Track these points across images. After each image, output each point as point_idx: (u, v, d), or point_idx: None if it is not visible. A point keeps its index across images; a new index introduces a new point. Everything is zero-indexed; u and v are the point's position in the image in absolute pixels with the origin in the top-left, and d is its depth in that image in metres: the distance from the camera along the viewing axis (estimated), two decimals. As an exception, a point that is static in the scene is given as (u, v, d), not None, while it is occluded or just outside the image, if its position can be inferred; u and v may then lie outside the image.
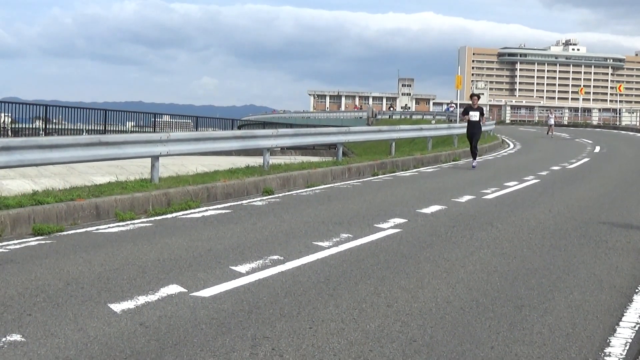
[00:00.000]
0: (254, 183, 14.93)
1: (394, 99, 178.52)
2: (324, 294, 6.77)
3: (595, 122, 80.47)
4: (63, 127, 34.37)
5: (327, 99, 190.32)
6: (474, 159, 22.89)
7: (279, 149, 30.19)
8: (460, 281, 7.44)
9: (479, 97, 23.30)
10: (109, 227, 10.29)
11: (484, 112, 23.95)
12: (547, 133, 50.67)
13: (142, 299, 6.41)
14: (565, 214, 12.60)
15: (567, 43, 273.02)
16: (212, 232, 10.02)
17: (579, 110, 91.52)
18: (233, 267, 7.74)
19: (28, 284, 6.92)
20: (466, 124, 23.90)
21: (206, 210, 12.17)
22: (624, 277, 7.87)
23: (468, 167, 23.28)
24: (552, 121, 53.68)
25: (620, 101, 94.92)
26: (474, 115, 22.80)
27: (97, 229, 10.13)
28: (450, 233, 10.39)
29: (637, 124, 72.11)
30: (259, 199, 13.92)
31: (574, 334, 5.74)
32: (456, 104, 70.92)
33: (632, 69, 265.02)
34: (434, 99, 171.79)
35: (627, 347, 5.46)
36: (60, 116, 34.36)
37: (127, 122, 41.63)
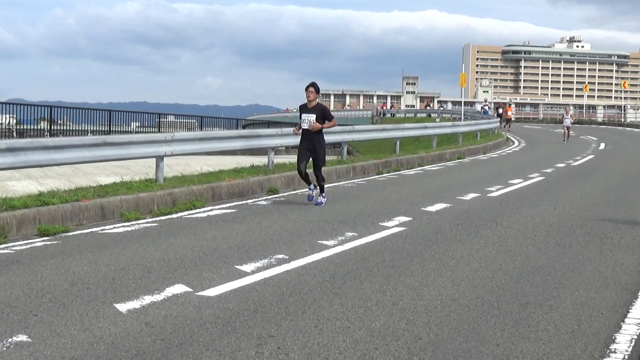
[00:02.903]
0: (259, 182, 14.95)
1: (399, 97, 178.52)
2: (329, 293, 6.78)
3: (600, 119, 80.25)
4: (68, 128, 34.38)
5: (332, 97, 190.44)
6: (319, 189, 13.37)
7: (284, 148, 30.14)
8: (466, 279, 7.44)
9: (317, 90, 13.25)
10: (114, 228, 10.31)
11: (330, 115, 13.54)
12: (564, 140, 38.48)
13: (147, 299, 6.42)
14: (570, 211, 12.59)
15: (571, 40, 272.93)
16: (217, 232, 10.04)
17: (584, 108, 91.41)
18: (238, 267, 7.76)
19: (34, 284, 6.94)
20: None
21: (211, 209, 12.18)
22: (630, 274, 7.87)
23: (473, 165, 23.21)
24: (568, 122, 39.91)
25: (625, 98, 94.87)
26: (308, 120, 13.12)
27: (102, 230, 10.15)
28: (455, 231, 10.39)
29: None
30: (263, 198, 13.93)
31: (579, 331, 5.74)
32: (490, 103, 66.53)
33: (637, 66, 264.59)
34: (438, 97, 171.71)
35: (633, 344, 5.46)
36: (65, 117, 34.39)
37: (132, 123, 41.62)
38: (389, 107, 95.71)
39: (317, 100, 13.23)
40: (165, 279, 7.17)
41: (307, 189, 13.46)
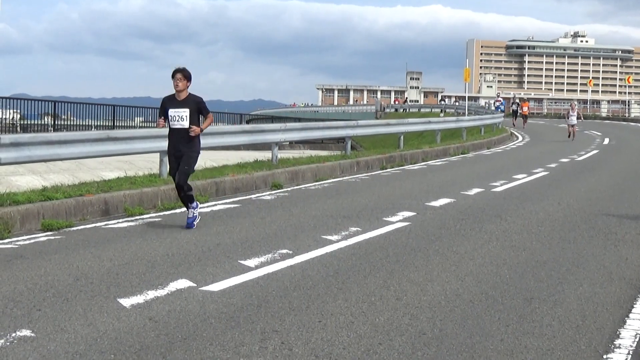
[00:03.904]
0: (263, 177, 14.94)
1: (402, 92, 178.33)
2: (333, 288, 6.77)
3: (604, 114, 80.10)
4: (72, 123, 34.45)
5: (335, 92, 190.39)
6: (188, 207, 10.20)
7: (288, 143, 30.20)
8: (470, 274, 7.43)
9: (188, 77, 10.26)
10: (118, 223, 10.31)
11: (207, 109, 10.43)
12: (569, 136, 35.05)
13: (151, 294, 6.42)
14: (574, 206, 12.56)
15: (575, 35, 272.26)
16: (220, 227, 10.03)
17: (588, 102, 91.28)
18: (242, 262, 7.75)
19: (37, 279, 6.94)
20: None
21: (215, 204, 12.18)
22: (634, 269, 7.85)
23: (477, 160, 23.18)
24: (574, 120, 35.47)
25: (629, 93, 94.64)
26: (179, 117, 10.13)
27: (106, 224, 10.15)
28: (459, 226, 10.37)
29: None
30: (267, 193, 13.92)
31: (583, 326, 5.72)
32: (503, 99, 62.69)
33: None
34: (442, 92, 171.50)
35: (637, 339, 5.45)
36: (68, 112, 34.49)
37: (136, 118, 41.69)
38: (402, 102, 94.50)
39: (187, 90, 10.24)
40: (169, 274, 7.17)
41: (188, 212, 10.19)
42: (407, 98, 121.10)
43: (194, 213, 10.11)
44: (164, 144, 13.85)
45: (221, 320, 5.69)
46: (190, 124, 10.05)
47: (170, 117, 10.15)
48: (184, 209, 11.57)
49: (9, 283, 6.77)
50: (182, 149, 10.15)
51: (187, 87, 10.23)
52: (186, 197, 10.19)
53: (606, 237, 9.73)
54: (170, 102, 10.24)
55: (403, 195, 13.76)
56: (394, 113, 74.14)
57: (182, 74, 10.17)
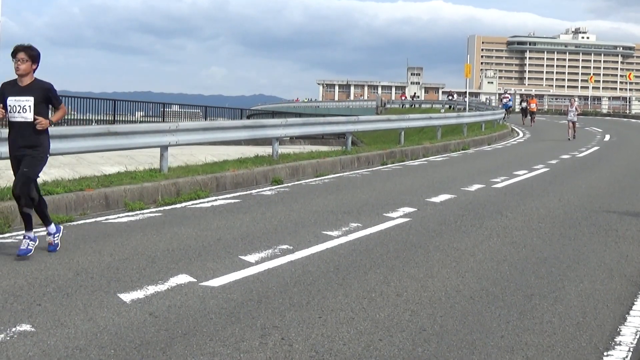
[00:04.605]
0: (263, 172, 14.93)
1: (403, 87, 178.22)
2: (334, 284, 6.76)
3: (605, 111, 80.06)
4: (72, 117, 34.42)
5: (336, 88, 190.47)
6: (42, 217, 8.24)
7: (288, 138, 30.14)
8: (470, 270, 7.42)
9: (34, 57, 7.91)
10: (118, 217, 10.30)
11: (58, 98, 8.09)
12: (568, 137, 32.50)
13: (151, 289, 6.41)
14: (575, 202, 12.56)
15: (576, 31, 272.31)
16: (221, 222, 10.02)
17: (589, 99, 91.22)
18: (242, 257, 7.74)
19: (38, 274, 6.94)
20: None
21: (215, 199, 12.17)
22: (635, 266, 7.84)
23: (477, 156, 23.17)
24: (574, 116, 33.16)
25: (630, 89, 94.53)
26: (21, 107, 7.81)
27: (106, 219, 10.14)
28: (460, 222, 10.37)
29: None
30: (268, 188, 13.91)
31: (584, 323, 5.72)
32: (511, 94, 59.64)
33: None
34: (443, 88, 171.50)
35: (638, 336, 5.44)
36: (69, 106, 34.42)
37: (137, 112, 41.72)
38: (412, 97, 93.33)
39: (34, 74, 8.00)
40: (169, 269, 7.17)
41: (25, 236, 7.92)
42: (415, 93, 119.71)
43: (53, 240, 8.07)
44: (165, 139, 13.94)
45: (221, 315, 5.69)
46: (35, 115, 7.83)
47: (9, 108, 7.85)
48: (184, 204, 11.59)
49: (9, 277, 6.77)
50: (25, 149, 7.92)
51: (33, 70, 7.98)
52: (40, 212, 8.10)
53: (607, 233, 9.72)
54: (10, 88, 7.94)
55: (403, 191, 13.75)
56: (398, 109, 73.23)
57: (26, 54, 7.89)
